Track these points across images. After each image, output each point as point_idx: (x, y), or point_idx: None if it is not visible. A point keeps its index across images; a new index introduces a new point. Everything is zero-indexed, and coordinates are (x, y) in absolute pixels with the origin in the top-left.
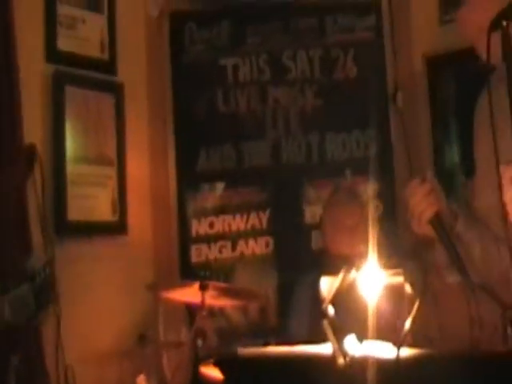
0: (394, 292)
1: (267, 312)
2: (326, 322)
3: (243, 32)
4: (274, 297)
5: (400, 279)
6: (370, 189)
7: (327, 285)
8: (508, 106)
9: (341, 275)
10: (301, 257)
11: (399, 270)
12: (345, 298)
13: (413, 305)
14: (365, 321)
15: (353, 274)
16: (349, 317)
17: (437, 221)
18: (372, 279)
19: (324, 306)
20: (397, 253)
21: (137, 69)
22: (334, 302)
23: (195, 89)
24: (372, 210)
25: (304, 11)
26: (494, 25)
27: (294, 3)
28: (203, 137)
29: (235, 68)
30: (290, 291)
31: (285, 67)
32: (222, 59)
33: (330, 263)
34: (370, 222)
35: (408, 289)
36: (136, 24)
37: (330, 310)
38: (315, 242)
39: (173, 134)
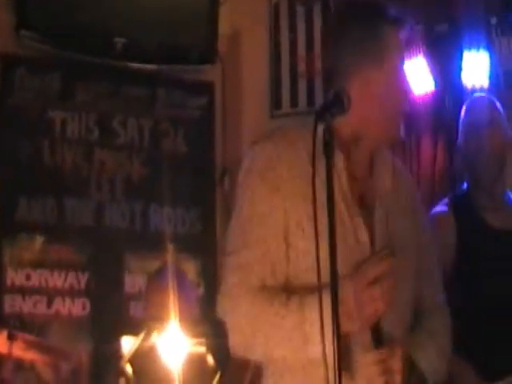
0: (196, 361)
1: (80, 374)
2: (122, 380)
3: (73, 87)
4: (87, 360)
5: (203, 349)
6: (192, 266)
7: (128, 344)
8: None
9: (141, 336)
10: (118, 324)
11: (202, 340)
12: (146, 359)
13: (214, 376)
14: None
15: (154, 337)
16: (148, 378)
17: None
18: (173, 345)
19: (122, 364)
20: (205, 325)
21: None
22: (134, 361)
23: (21, 135)
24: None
25: (136, 78)
26: (319, 116)
27: (126, 68)
28: (25, 185)
29: (63, 122)
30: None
31: (114, 131)
32: (51, 111)
33: None
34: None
35: (210, 360)
36: None
37: (128, 369)
38: (134, 310)
39: None
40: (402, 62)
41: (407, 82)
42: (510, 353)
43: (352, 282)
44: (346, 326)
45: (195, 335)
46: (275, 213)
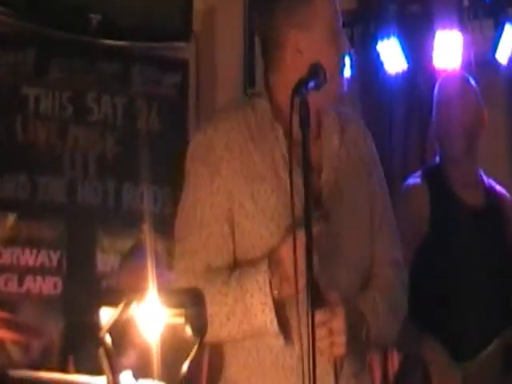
0: (175, 332)
1: (51, 353)
2: (101, 351)
3: (47, 64)
4: (58, 339)
5: (181, 320)
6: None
7: (107, 315)
8: None
9: (120, 306)
10: (90, 304)
11: (181, 311)
12: (125, 330)
13: (192, 347)
14: (143, 356)
15: (133, 308)
16: (126, 349)
17: None
18: (152, 316)
19: (101, 334)
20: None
21: None
22: (114, 332)
23: None
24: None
25: (110, 55)
26: (296, 91)
27: (100, 45)
28: None
29: (37, 99)
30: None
31: (87, 108)
32: (25, 87)
33: None
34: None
35: (188, 330)
36: None
37: (108, 339)
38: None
39: None
40: (336, 24)
41: (343, 43)
42: (480, 331)
43: (287, 245)
44: (284, 289)
45: (173, 305)
46: (217, 196)
